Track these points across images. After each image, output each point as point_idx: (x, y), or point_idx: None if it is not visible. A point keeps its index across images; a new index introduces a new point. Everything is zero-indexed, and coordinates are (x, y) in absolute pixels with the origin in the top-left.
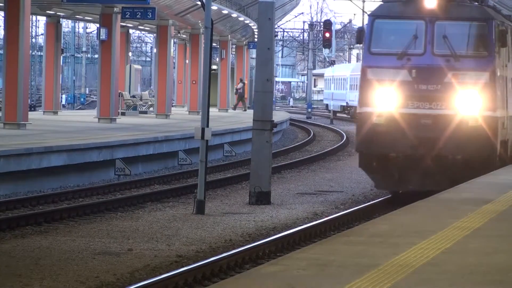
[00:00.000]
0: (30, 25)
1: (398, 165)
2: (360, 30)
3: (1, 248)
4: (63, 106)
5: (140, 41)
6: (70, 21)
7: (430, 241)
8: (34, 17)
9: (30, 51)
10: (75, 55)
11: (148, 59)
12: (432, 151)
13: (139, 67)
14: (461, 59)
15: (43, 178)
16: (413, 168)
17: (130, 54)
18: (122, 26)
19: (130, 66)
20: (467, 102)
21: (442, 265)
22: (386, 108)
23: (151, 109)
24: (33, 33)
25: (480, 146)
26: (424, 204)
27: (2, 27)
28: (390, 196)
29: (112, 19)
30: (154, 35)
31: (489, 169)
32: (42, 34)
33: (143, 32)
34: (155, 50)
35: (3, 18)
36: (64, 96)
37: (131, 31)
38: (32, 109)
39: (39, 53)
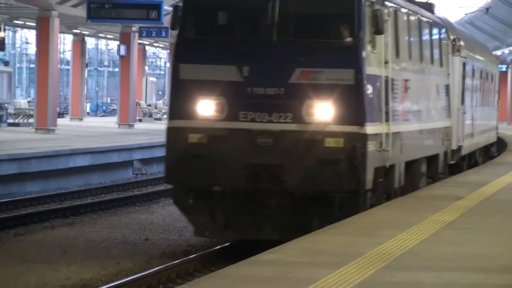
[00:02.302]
0: (58, 42)
1: (225, 204)
2: (177, 9)
3: (33, 238)
4: (87, 113)
5: (155, 56)
6: (93, 39)
7: (409, 232)
8: (62, 35)
9: (58, 65)
10: (98, 68)
11: (162, 72)
12: (273, 184)
13: (154, 79)
14: (315, 50)
15: (69, 176)
16: (247, 209)
17: (146, 68)
18: (139, 43)
19: (146, 78)
20: (323, 113)
21: (420, 253)
22: (207, 122)
23: (164, 116)
24: (61, 49)
25: (339, 177)
26: (404, 200)
27: (35, 44)
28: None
29: (130, 37)
30: (168, 51)
31: (355, 208)
32: (69, 50)
33: (157, 49)
34: (168, 65)
35: (35, 36)
36: (88, 104)
37: (147, 47)
38: (60, 116)
39: (66, 67)
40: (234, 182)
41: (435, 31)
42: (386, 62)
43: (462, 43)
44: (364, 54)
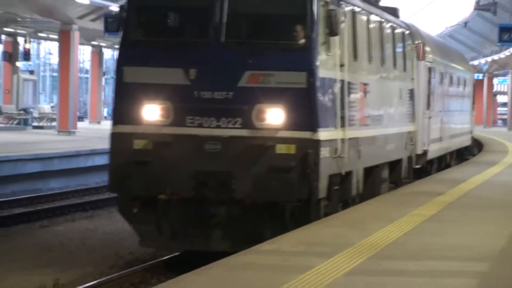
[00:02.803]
0: (78, 53)
1: (171, 213)
2: (122, 10)
3: (56, 229)
4: (105, 117)
5: None
6: (110, 50)
7: (394, 225)
8: (81, 47)
9: (78, 74)
10: (114, 77)
11: None
12: (221, 192)
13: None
14: (265, 52)
15: (88, 174)
16: (194, 219)
17: None
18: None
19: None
20: (274, 118)
21: (404, 244)
22: (152, 127)
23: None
24: (81, 59)
25: (290, 186)
26: (388, 196)
27: (57, 55)
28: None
29: None
30: None
31: (307, 218)
32: (88, 60)
33: None
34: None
35: (58, 48)
36: (105, 109)
37: None
38: (80, 120)
39: (85, 75)
40: (180, 190)
41: (398, 35)
42: (342, 65)
43: (427, 48)
44: (317, 56)
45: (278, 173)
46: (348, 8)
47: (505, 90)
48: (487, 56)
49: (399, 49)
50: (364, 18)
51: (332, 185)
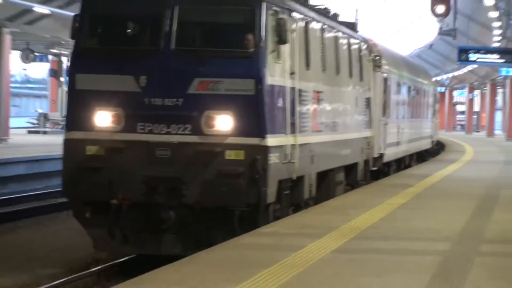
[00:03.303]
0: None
1: (122, 218)
2: (75, 18)
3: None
4: None
5: None
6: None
7: (371, 212)
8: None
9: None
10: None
11: None
12: (171, 197)
13: None
14: (214, 59)
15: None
16: (145, 223)
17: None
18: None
19: None
20: (223, 124)
21: (380, 227)
22: (104, 133)
23: None
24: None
25: (239, 191)
26: (368, 187)
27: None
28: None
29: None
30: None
31: (255, 222)
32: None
33: None
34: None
35: None
36: None
37: None
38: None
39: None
40: (131, 195)
41: (355, 47)
42: (292, 73)
43: (384, 60)
44: (265, 63)
45: (227, 179)
46: (299, 19)
47: (463, 100)
48: (448, 72)
49: (355, 60)
50: (318, 29)
51: (282, 189)
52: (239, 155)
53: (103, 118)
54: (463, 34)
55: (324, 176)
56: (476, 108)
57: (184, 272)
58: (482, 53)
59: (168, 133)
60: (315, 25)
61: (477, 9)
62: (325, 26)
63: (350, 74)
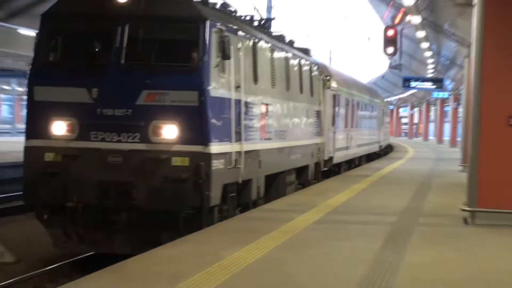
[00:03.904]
0: None
1: (77, 219)
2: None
3: None
4: None
5: None
6: None
7: (342, 194)
8: None
9: None
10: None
11: None
12: (122, 200)
13: None
14: (161, 73)
15: None
16: (99, 224)
17: None
18: None
19: None
20: (169, 133)
21: (348, 205)
22: (61, 141)
23: None
24: None
25: (184, 195)
26: (339, 177)
27: None
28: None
29: None
30: None
31: (200, 224)
32: None
33: None
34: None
35: None
36: None
37: None
38: None
39: None
40: (86, 198)
41: (306, 68)
42: (238, 87)
43: (333, 80)
44: (208, 77)
45: (173, 183)
46: (246, 38)
47: (406, 115)
48: (396, 95)
49: (306, 79)
50: (267, 49)
51: (228, 192)
52: (185, 162)
53: (59, 127)
54: (406, 68)
55: (274, 178)
56: (416, 120)
57: (208, 236)
58: (419, 82)
59: (119, 141)
60: (264, 45)
61: (417, 49)
62: (275, 48)
63: (301, 90)
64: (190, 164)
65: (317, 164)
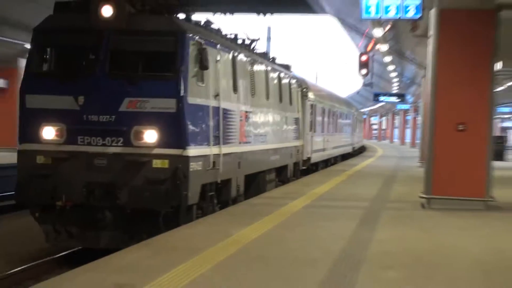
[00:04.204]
0: None
1: (67, 217)
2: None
3: None
4: None
5: None
6: None
7: (326, 184)
8: None
9: None
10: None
11: None
12: (107, 200)
13: None
14: (142, 82)
15: None
16: (86, 222)
17: None
18: None
19: None
20: (150, 137)
21: (331, 193)
22: (51, 145)
23: None
24: None
25: (163, 195)
26: (322, 172)
27: None
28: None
29: None
30: None
31: (178, 222)
32: None
33: None
34: None
35: None
36: None
37: None
38: None
39: None
40: (74, 198)
41: (285, 81)
42: (217, 95)
43: (310, 92)
44: (186, 85)
45: (153, 184)
46: (226, 51)
47: (376, 122)
48: (368, 107)
49: (286, 90)
50: (247, 63)
51: (207, 191)
52: (164, 164)
53: (49, 132)
54: (376, 85)
55: (255, 176)
56: (384, 126)
57: (220, 218)
58: (387, 96)
59: (104, 145)
60: (243, 59)
61: (384, 71)
62: (255, 62)
63: (280, 100)
64: (170, 166)
65: (296, 164)
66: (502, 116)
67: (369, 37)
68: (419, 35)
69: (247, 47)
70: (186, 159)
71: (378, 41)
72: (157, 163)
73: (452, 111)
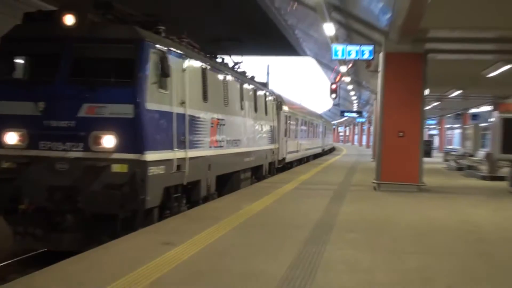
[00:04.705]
0: None
1: (30, 220)
2: None
3: None
4: None
5: None
6: None
7: (307, 174)
8: None
9: None
10: None
11: None
12: (68, 203)
13: None
14: (100, 88)
15: None
16: (48, 224)
17: None
18: None
19: None
20: (108, 142)
21: (311, 180)
22: (15, 150)
23: None
24: None
25: (122, 199)
26: (306, 165)
27: None
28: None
29: None
30: None
31: (136, 225)
32: None
33: None
34: None
35: None
36: None
37: None
38: None
39: None
40: (36, 201)
41: (260, 94)
42: (183, 102)
43: (285, 105)
44: (144, 92)
45: (112, 189)
46: (194, 63)
47: (342, 130)
48: (337, 120)
49: (261, 102)
50: (220, 76)
51: (171, 193)
52: (123, 168)
53: (12, 138)
54: (342, 105)
55: (229, 176)
56: (347, 133)
57: (236, 197)
58: (349, 113)
59: (64, 150)
60: (216, 73)
61: (347, 95)
62: (229, 76)
63: (255, 110)
64: (128, 171)
65: (271, 163)
66: (429, 126)
67: (337, 72)
68: (372, 71)
69: (223, 64)
70: (144, 163)
71: (343, 74)
72: (116, 168)
73: (394, 123)
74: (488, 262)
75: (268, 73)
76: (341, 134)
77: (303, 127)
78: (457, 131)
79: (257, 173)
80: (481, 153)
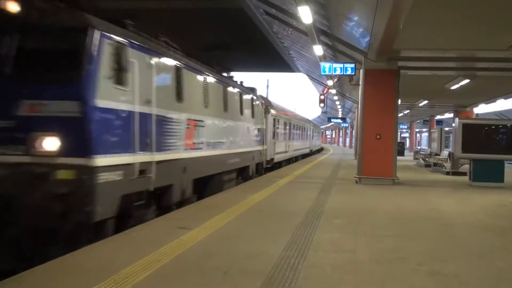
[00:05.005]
0: None
1: None
2: None
3: None
4: None
5: None
6: None
7: (300, 170)
8: None
9: None
10: None
11: None
12: (7, 215)
13: None
14: (44, 83)
15: None
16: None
17: None
18: None
19: None
20: (52, 145)
21: (303, 174)
22: None
23: None
24: None
25: (67, 211)
26: (297, 163)
27: None
28: None
29: None
30: None
31: (84, 239)
32: None
33: None
34: None
35: None
36: None
37: None
38: None
39: None
40: None
41: (247, 98)
42: (148, 101)
43: (273, 109)
44: (93, 87)
45: (55, 198)
46: (164, 61)
47: (329, 133)
48: (324, 125)
49: (248, 106)
50: (201, 78)
51: (133, 201)
52: (69, 175)
53: None
54: (329, 113)
55: (210, 178)
56: (334, 136)
57: (241, 188)
58: (335, 119)
59: (3, 153)
60: (194, 74)
61: (334, 104)
62: (211, 79)
63: (241, 113)
64: (75, 178)
65: (259, 164)
66: (401, 130)
67: (325, 85)
68: (354, 84)
69: (208, 67)
70: (93, 169)
71: (330, 87)
72: (59, 174)
73: (373, 127)
74: (452, 242)
75: (267, 86)
76: (328, 136)
77: (292, 130)
78: (425, 134)
79: (244, 174)
80: (445, 153)
